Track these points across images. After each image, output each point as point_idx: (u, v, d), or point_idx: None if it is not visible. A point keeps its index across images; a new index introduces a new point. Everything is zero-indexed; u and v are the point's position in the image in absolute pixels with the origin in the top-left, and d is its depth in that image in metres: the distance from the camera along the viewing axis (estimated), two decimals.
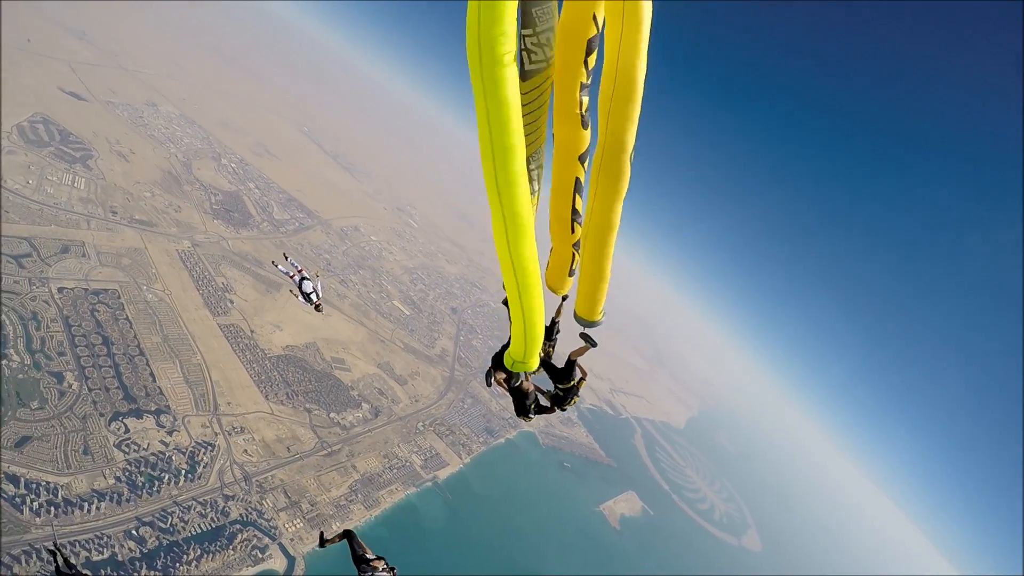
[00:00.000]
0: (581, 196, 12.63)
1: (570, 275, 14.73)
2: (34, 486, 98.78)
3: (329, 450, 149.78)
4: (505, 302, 14.26)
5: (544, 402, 17.39)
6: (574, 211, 13.04)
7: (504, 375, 15.77)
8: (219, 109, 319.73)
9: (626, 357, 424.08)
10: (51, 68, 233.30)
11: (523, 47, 10.62)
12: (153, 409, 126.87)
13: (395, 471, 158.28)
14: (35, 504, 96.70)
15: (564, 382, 17.06)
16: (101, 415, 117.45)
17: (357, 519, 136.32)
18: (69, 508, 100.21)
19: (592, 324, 14.95)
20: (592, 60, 10.47)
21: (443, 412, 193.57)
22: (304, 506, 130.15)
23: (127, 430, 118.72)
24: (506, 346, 15.09)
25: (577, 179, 12.35)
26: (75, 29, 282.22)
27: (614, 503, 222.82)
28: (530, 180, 11.76)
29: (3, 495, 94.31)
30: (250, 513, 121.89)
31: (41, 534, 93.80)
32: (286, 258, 33.15)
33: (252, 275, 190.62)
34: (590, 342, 16.42)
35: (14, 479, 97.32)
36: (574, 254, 14.04)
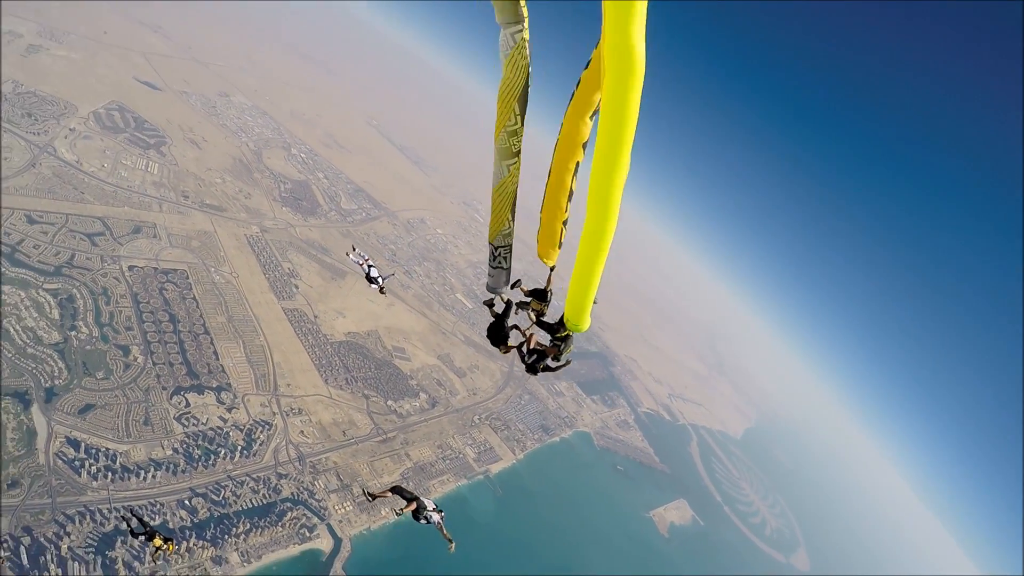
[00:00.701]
0: (576, 179, 15.04)
1: (559, 247, 17.21)
2: (93, 451, 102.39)
3: (384, 436, 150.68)
4: (489, 303, 19.19)
5: (551, 363, 19.19)
6: (570, 192, 15.49)
7: (522, 342, 19.13)
8: (290, 101, 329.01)
9: (687, 363, 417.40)
10: (127, 59, 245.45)
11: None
12: (214, 386, 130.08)
13: (448, 462, 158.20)
14: (93, 468, 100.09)
15: (559, 332, 18.41)
16: (163, 388, 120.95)
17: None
18: (126, 474, 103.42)
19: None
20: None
21: (500, 407, 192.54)
22: (355, 490, 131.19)
23: (188, 404, 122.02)
24: (494, 323, 19.18)
25: (577, 163, 14.70)
26: (151, 24, 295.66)
27: (664, 510, 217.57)
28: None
29: (62, 457, 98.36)
30: (301, 492, 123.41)
31: (96, 497, 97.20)
32: (354, 249, 34.20)
33: (318, 262, 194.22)
34: None
35: (75, 443, 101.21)
36: (562, 229, 16.53)
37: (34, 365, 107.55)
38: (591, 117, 13.67)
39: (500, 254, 17.16)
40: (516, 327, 19.45)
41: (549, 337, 18.88)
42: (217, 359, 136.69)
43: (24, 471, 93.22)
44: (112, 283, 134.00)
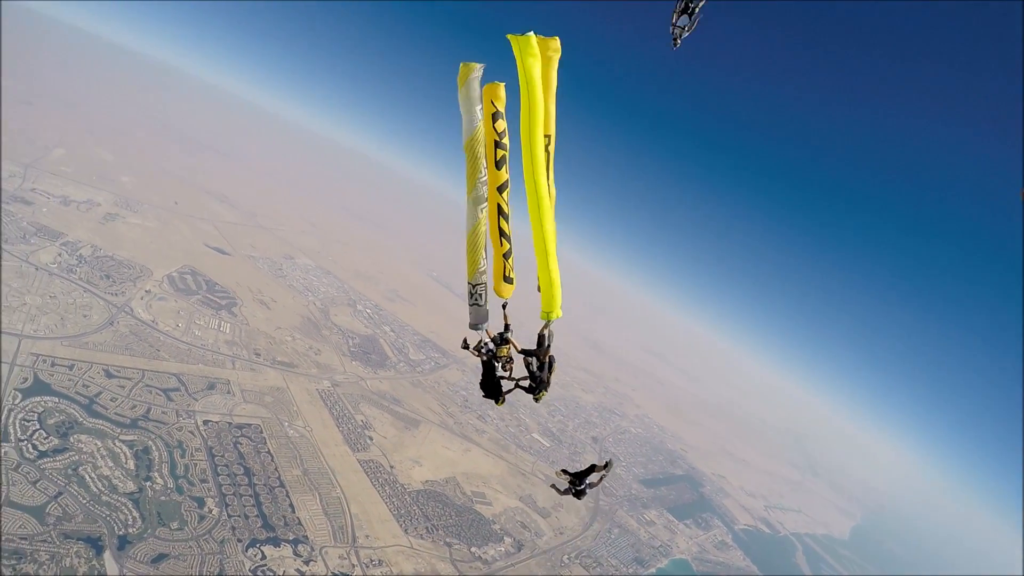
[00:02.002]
0: (507, 220, 17.99)
1: (505, 280, 19.24)
2: None
3: None
4: (464, 343, 21.93)
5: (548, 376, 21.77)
6: (501, 231, 18.08)
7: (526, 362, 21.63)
8: (352, 260, 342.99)
9: (778, 471, 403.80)
10: (198, 227, 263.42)
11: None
12: (291, 538, 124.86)
13: None
14: None
15: (541, 350, 21.02)
16: (239, 540, 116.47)
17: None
18: None
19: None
20: (500, 126, 16.87)
21: (589, 544, 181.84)
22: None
23: (264, 557, 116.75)
24: (484, 379, 21.78)
25: (499, 205, 17.66)
26: (218, 194, 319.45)
27: None
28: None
29: None
30: None
31: None
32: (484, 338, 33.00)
33: (391, 413, 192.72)
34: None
35: None
36: (505, 263, 18.79)
37: (108, 512, 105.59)
38: (497, 166, 17.08)
39: (477, 291, 19.48)
40: (502, 377, 21.75)
41: (535, 362, 21.27)
42: (293, 511, 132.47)
43: None
44: (187, 437, 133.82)
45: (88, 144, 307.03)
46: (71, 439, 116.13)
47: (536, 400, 21.85)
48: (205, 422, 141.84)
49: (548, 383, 21.52)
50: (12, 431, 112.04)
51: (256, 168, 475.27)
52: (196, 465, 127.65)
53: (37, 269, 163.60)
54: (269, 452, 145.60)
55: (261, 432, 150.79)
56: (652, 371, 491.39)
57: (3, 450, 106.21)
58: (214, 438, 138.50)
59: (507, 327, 21.62)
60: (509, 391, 22.14)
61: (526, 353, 21.29)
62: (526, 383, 21.77)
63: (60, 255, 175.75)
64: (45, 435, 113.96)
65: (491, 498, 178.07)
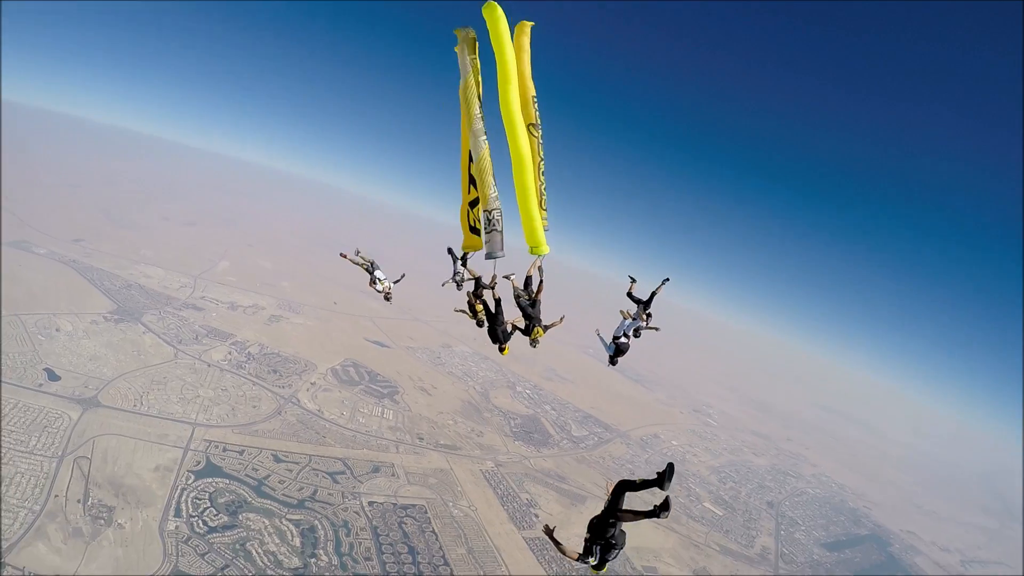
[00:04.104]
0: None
1: (468, 230, 21.07)
2: None
3: None
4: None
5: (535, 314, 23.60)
6: (470, 176, 19.65)
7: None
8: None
9: (973, 520, 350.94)
10: (357, 323, 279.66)
11: None
12: None
13: None
14: None
15: (527, 290, 22.98)
16: None
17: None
18: None
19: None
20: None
21: None
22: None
23: None
24: (490, 327, 24.63)
25: (470, 152, 19.33)
26: (372, 293, 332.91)
27: None
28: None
29: None
30: None
31: None
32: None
33: (556, 490, 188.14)
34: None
35: None
36: (469, 211, 20.49)
37: None
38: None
39: (494, 216, 19.22)
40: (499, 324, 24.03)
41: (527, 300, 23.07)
42: None
43: None
44: (352, 517, 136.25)
45: (248, 255, 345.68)
46: (240, 517, 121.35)
47: (533, 343, 23.84)
48: (370, 503, 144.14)
49: (541, 321, 23.40)
50: (184, 508, 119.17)
51: (407, 268, 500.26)
52: (361, 544, 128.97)
53: (209, 366, 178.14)
54: (434, 531, 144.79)
55: (425, 512, 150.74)
56: (826, 426, 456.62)
57: (174, 525, 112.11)
58: (379, 518, 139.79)
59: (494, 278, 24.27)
60: (512, 333, 24.08)
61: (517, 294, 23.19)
62: (522, 324, 23.78)
63: (230, 353, 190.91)
64: (215, 512, 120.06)
65: (663, 572, 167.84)
